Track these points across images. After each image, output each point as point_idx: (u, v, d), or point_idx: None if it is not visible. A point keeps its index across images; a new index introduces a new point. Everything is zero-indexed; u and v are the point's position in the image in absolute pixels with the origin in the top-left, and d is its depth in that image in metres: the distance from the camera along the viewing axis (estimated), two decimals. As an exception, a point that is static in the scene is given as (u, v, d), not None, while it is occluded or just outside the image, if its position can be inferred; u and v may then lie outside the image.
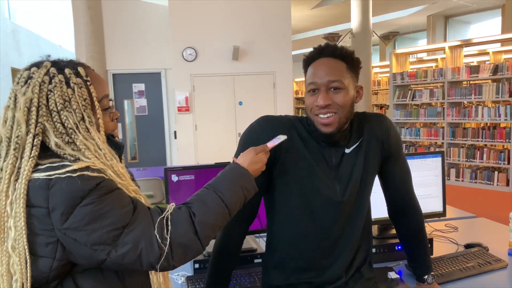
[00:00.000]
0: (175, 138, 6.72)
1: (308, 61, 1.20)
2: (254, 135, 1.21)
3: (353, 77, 1.19)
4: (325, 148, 1.22)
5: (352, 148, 1.24)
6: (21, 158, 0.89)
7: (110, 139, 1.02)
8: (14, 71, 9.31)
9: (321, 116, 1.16)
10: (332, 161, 1.23)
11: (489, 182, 5.49)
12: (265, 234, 1.41)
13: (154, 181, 3.93)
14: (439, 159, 1.87)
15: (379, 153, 1.27)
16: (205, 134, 6.56)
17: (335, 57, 1.17)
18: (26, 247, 0.86)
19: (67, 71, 0.96)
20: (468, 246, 1.77)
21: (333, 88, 1.15)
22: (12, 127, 0.91)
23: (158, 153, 6.95)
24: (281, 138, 1.16)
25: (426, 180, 1.86)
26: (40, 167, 0.89)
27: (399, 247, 1.70)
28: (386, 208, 1.42)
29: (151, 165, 6.13)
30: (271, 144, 1.14)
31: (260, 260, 1.68)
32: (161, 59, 6.68)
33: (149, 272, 1.06)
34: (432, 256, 1.63)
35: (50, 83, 0.93)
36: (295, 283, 1.26)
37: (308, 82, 1.19)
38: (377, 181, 1.34)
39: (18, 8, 10.32)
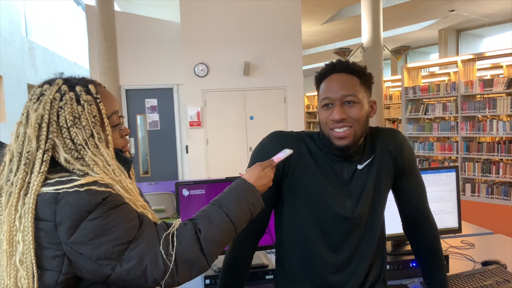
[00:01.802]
0: (187, 152, 6.76)
1: (321, 77, 1.21)
2: (264, 151, 1.21)
3: (366, 92, 1.19)
4: (337, 163, 1.21)
5: (364, 164, 1.22)
6: (31, 173, 0.91)
7: (119, 154, 1.02)
8: (30, 88, 9.49)
9: (337, 130, 1.15)
10: (344, 176, 1.21)
11: (506, 198, 5.36)
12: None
13: (166, 195, 3.93)
14: (453, 174, 1.83)
15: (392, 169, 1.25)
16: (216, 149, 6.58)
17: (348, 72, 1.17)
18: (33, 261, 0.87)
19: (78, 88, 0.98)
20: (485, 263, 1.71)
21: (348, 102, 1.15)
22: (23, 143, 0.92)
23: (170, 168, 6.99)
24: (287, 152, 1.15)
25: (440, 195, 1.82)
26: (49, 181, 0.90)
27: (414, 264, 1.66)
28: (400, 223, 1.40)
29: (163, 180, 6.15)
30: (277, 158, 1.13)
31: (271, 277, 1.65)
32: (173, 75, 6.77)
33: None
34: (448, 274, 1.58)
35: (61, 100, 0.95)
36: None
37: (322, 97, 1.18)
38: (390, 197, 1.31)
39: (35, 26, 10.60)
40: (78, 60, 12.49)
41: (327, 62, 1.21)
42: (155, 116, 6.90)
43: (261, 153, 1.21)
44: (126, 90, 6.75)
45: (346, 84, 1.15)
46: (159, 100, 6.91)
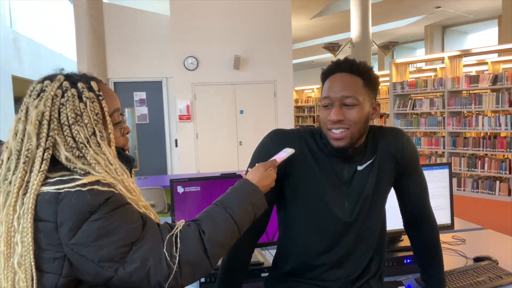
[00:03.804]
0: (176, 146, 6.71)
1: (326, 75, 1.19)
2: (266, 151, 1.20)
3: (369, 94, 1.17)
4: (337, 163, 1.21)
5: (365, 165, 1.22)
6: (31, 171, 0.88)
7: (121, 153, 1.01)
8: (15, 79, 9.29)
9: (334, 131, 1.15)
10: (344, 177, 1.21)
11: (491, 192, 5.47)
12: (272, 247, 1.39)
13: (156, 190, 3.90)
14: (446, 171, 1.85)
15: (393, 170, 1.25)
16: (206, 143, 6.55)
17: (352, 72, 1.15)
18: (32, 263, 0.84)
19: (80, 85, 0.95)
20: (477, 259, 1.74)
21: (347, 104, 1.14)
22: (22, 140, 0.90)
23: (159, 162, 6.93)
24: (289, 151, 1.14)
25: (433, 192, 1.83)
26: (49, 180, 0.87)
27: (408, 261, 1.68)
28: (394, 220, 1.41)
29: (152, 174, 6.09)
30: (280, 158, 1.13)
31: (267, 274, 1.65)
32: (163, 68, 6.70)
33: None
34: (441, 270, 1.60)
35: (62, 96, 0.93)
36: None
37: (323, 96, 1.18)
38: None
39: (20, 17, 10.34)
40: (64, 52, 12.23)
41: (333, 60, 1.20)
42: (143, 110, 6.82)
43: (263, 152, 1.20)
44: (114, 82, 6.65)
45: (348, 85, 1.14)
46: (148, 93, 6.83)
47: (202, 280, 1.62)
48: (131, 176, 1.01)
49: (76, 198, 0.84)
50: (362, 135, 1.18)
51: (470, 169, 5.69)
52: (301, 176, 1.20)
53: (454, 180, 5.82)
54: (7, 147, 0.91)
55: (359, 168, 1.22)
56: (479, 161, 5.59)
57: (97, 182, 0.87)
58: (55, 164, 0.91)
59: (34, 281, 0.84)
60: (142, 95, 6.79)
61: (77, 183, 0.85)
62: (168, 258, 0.87)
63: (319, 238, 1.21)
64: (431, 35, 13.06)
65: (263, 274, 1.66)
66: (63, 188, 0.85)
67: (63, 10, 12.38)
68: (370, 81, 1.17)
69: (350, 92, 1.13)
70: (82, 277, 0.88)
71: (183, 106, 6.41)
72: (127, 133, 1.05)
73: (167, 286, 0.88)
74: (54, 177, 0.88)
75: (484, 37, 13.45)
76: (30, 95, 0.93)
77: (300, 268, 1.24)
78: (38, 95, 0.92)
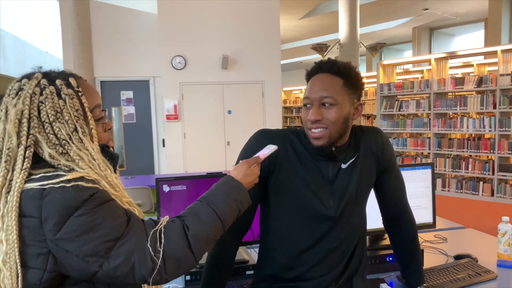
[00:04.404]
0: (164, 146, 6.69)
1: (309, 75, 1.22)
2: (251, 150, 1.22)
3: (350, 94, 1.19)
4: (321, 163, 1.23)
5: (348, 163, 1.25)
6: (13, 170, 0.88)
7: (105, 150, 1.01)
8: (-1, 77, 9.14)
9: (313, 130, 1.17)
10: (328, 175, 1.24)
11: (475, 192, 5.57)
12: (257, 245, 1.41)
13: (143, 190, 3.89)
14: (429, 171, 1.89)
15: (375, 168, 1.29)
16: (193, 143, 6.54)
17: (332, 73, 1.18)
18: (18, 261, 0.85)
19: (58, 82, 0.95)
20: (457, 257, 1.78)
21: (326, 104, 1.16)
22: (3, 139, 0.90)
23: (146, 161, 6.89)
24: (272, 148, 1.16)
25: (416, 191, 1.88)
26: (33, 177, 0.88)
27: (390, 258, 1.71)
28: (377, 218, 1.44)
29: (139, 174, 6.06)
30: (263, 155, 1.15)
31: (252, 272, 1.66)
32: (150, 67, 6.66)
33: (142, 285, 1.05)
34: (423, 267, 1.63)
35: (41, 94, 0.93)
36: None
37: (304, 96, 1.21)
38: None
39: (4, 13, 10.17)
40: (50, 50, 12.06)
41: (317, 61, 1.22)
42: (130, 109, 6.79)
43: (248, 152, 1.22)
44: (101, 81, 6.61)
45: (327, 85, 1.16)
46: (135, 92, 6.80)
47: (188, 277, 1.63)
48: (115, 172, 1.01)
49: (60, 194, 0.84)
50: (342, 134, 1.20)
51: (454, 170, 5.78)
52: (286, 175, 1.22)
53: (439, 181, 5.91)
54: None
55: (343, 166, 1.24)
56: (464, 162, 5.68)
57: (82, 179, 0.88)
58: (38, 162, 0.91)
59: (19, 278, 0.85)
60: (129, 94, 6.76)
61: (62, 179, 0.86)
62: (153, 253, 0.88)
63: (304, 236, 1.23)
64: (418, 37, 13.22)
65: (248, 272, 1.67)
66: (47, 184, 0.85)
67: (49, 7, 12.22)
68: (351, 81, 1.18)
69: (329, 93, 1.16)
70: (67, 272, 0.89)
71: (171, 106, 6.39)
72: (110, 129, 1.06)
73: (152, 281, 0.89)
74: (38, 174, 0.88)
75: (471, 40, 13.66)
76: (9, 94, 0.94)
77: (285, 266, 1.26)
78: (17, 94, 0.93)
